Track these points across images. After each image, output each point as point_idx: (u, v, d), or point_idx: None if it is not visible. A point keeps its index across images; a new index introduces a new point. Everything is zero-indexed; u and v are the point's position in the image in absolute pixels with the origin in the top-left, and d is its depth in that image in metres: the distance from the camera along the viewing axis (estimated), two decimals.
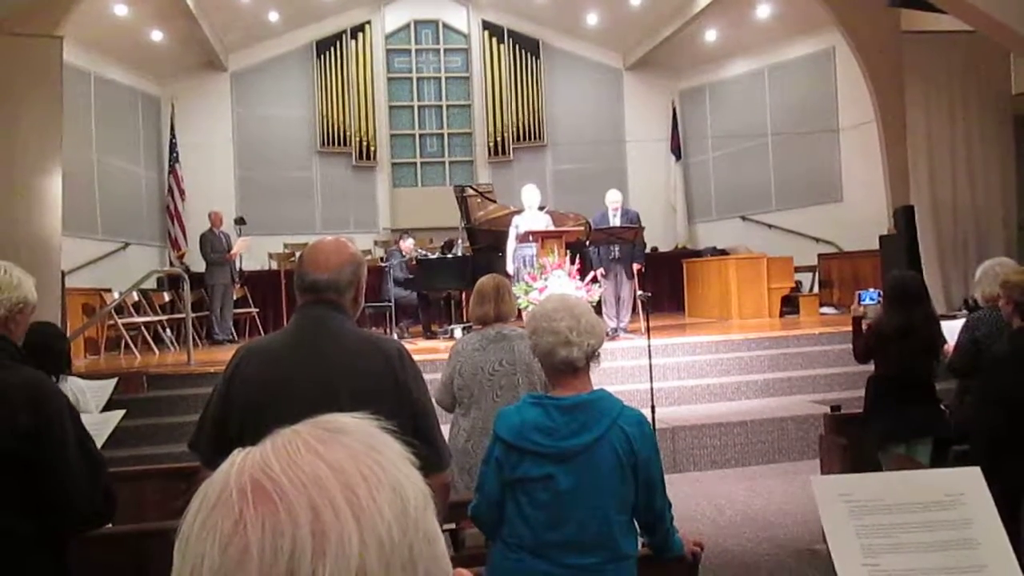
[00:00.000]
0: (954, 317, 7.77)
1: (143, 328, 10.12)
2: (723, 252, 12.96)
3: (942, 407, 4.48)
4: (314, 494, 0.54)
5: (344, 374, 2.19)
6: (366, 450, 0.58)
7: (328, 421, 0.61)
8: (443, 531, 0.63)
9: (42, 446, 2.08)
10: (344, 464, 0.56)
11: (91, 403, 4.02)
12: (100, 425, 3.62)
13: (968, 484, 1.73)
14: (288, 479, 0.54)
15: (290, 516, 0.53)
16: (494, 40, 15.00)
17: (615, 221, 9.00)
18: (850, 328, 5.02)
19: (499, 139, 14.92)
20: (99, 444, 3.48)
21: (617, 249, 8.89)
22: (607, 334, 8.31)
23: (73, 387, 3.94)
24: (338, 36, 14.52)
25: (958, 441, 4.09)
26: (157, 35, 12.27)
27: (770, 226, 13.65)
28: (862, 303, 4.76)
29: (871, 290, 4.88)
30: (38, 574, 2.11)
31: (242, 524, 0.53)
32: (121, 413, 3.92)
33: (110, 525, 3.75)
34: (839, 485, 1.75)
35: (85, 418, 3.40)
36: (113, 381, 4.56)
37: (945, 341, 4.57)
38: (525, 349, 3.64)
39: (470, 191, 10.80)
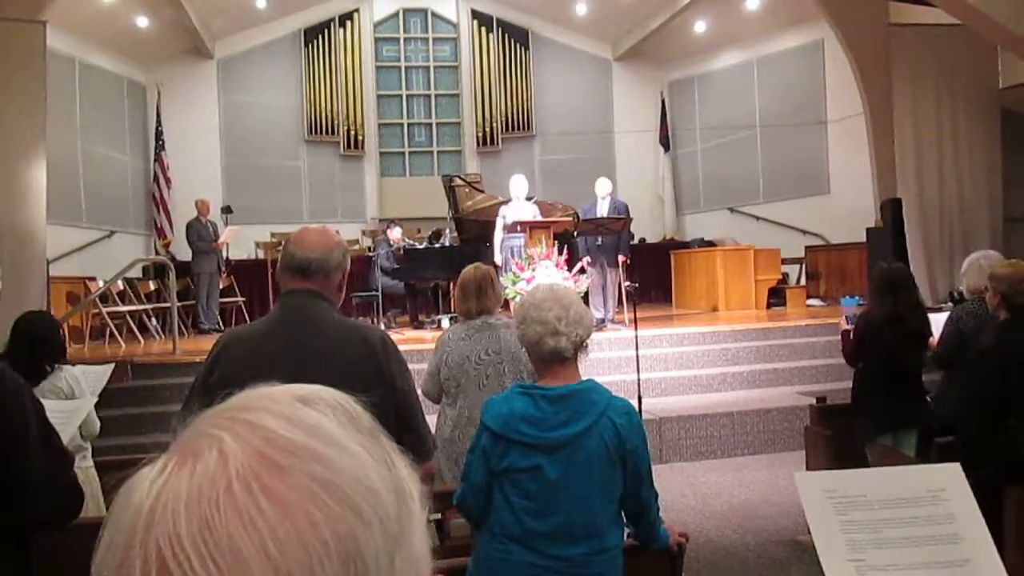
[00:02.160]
0: (940, 309, 7.81)
1: (128, 317, 10.05)
2: (711, 243, 12.97)
3: (928, 399, 4.50)
4: None
5: (326, 362, 2.18)
6: (309, 495, 0.45)
7: (265, 441, 0.47)
8: (428, 521, 0.54)
9: (3, 441, 2.00)
10: (275, 534, 0.43)
11: (86, 390, 3.98)
12: (70, 414, 3.58)
13: (949, 480, 1.74)
14: (200, 562, 0.42)
15: None
16: (483, 29, 14.94)
17: (603, 210, 9.01)
18: (836, 321, 5.04)
19: (488, 129, 14.87)
20: (69, 433, 3.44)
21: (601, 239, 8.90)
22: (594, 325, 8.32)
23: (67, 375, 3.91)
24: (326, 24, 14.42)
25: (942, 433, 4.11)
26: (143, 21, 12.15)
27: (758, 218, 13.68)
28: (848, 323, 4.78)
29: (855, 296, 4.92)
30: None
31: None
32: (92, 401, 3.87)
33: (104, 512, 3.74)
34: (823, 481, 1.75)
35: (53, 405, 3.37)
36: (109, 367, 4.52)
37: (931, 333, 4.59)
38: (511, 338, 3.63)
39: (458, 181, 10.77)
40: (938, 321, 4.72)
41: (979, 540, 1.66)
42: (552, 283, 2.52)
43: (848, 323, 4.80)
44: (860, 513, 1.67)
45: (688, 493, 5.82)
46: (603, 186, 9.21)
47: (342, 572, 0.44)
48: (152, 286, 11.29)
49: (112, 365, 4.60)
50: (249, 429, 0.48)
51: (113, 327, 9.63)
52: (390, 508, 0.48)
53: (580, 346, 2.36)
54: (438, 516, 3.15)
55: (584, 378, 2.39)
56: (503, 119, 14.89)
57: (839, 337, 4.99)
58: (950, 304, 8.56)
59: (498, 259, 8.78)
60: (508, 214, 8.85)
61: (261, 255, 12.66)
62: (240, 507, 0.43)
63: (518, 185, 8.99)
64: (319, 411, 0.51)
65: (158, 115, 13.17)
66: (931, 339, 4.62)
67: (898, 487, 1.72)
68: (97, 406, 3.93)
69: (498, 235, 8.96)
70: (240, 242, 12.21)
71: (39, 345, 3.77)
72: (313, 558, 0.43)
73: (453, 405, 3.73)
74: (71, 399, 3.79)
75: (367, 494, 0.47)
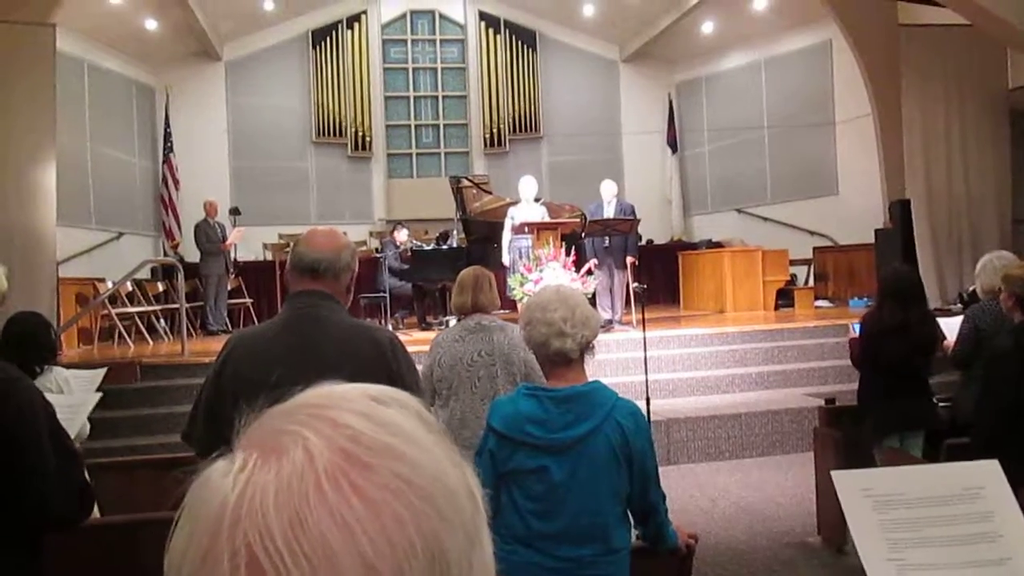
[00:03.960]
0: (949, 311, 7.78)
1: (137, 318, 10.08)
2: (718, 245, 12.95)
3: (934, 400, 4.48)
4: None
5: (335, 364, 2.18)
6: (395, 493, 0.46)
7: (348, 439, 0.47)
8: None
9: (12, 443, 2.01)
10: (364, 529, 0.44)
11: (76, 392, 3.96)
12: (76, 408, 3.57)
13: (987, 477, 1.72)
14: (291, 556, 0.43)
15: None
16: (490, 31, 14.94)
17: (609, 212, 9.00)
18: (844, 322, 5.02)
19: (495, 130, 14.88)
20: (75, 429, 3.44)
21: (609, 241, 8.88)
22: (601, 325, 8.30)
23: (57, 377, 3.89)
24: (334, 26, 14.45)
25: (953, 434, 4.09)
26: (151, 23, 12.19)
27: (765, 219, 13.65)
28: (854, 331, 4.76)
29: (864, 297, 4.89)
30: (10, 572, 2.07)
31: None
32: (98, 396, 3.85)
33: (98, 514, 3.74)
34: (860, 480, 1.74)
35: (60, 399, 3.36)
36: (102, 371, 4.46)
37: (944, 337, 4.57)
38: (503, 340, 3.63)
39: (466, 182, 10.77)
40: (951, 326, 4.68)
41: (1019, 537, 1.65)
42: (558, 284, 2.52)
43: (855, 331, 4.78)
44: (899, 512, 1.66)
45: (696, 494, 5.81)
46: (608, 189, 9.19)
47: (428, 571, 0.44)
48: (160, 287, 11.33)
49: (105, 369, 4.53)
50: (331, 427, 0.48)
51: (122, 328, 9.66)
52: (467, 508, 0.49)
53: (586, 348, 2.36)
54: None
55: (591, 379, 2.39)
56: (510, 120, 14.89)
57: (847, 339, 4.96)
58: (959, 305, 8.52)
59: (506, 260, 8.79)
60: (516, 215, 8.85)
61: (269, 256, 12.69)
62: (331, 505, 0.44)
63: (527, 186, 9.00)
64: (394, 410, 0.51)
65: (167, 117, 13.22)
66: (946, 342, 4.60)
67: (936, 485, 1.71)
68: (105, 407, 3.92)
69: (506, 236, 8.97)
70: (248, 243, 12.24)
71: (29, 345, 3.75)
72: (401, 556, 0.44)
73: (445, 407, 3.71)
74: None
75: (447, 494, 0.48)
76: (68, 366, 4.34)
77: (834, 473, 1.80)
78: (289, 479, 0.45)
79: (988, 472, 1.74)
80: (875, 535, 1.64)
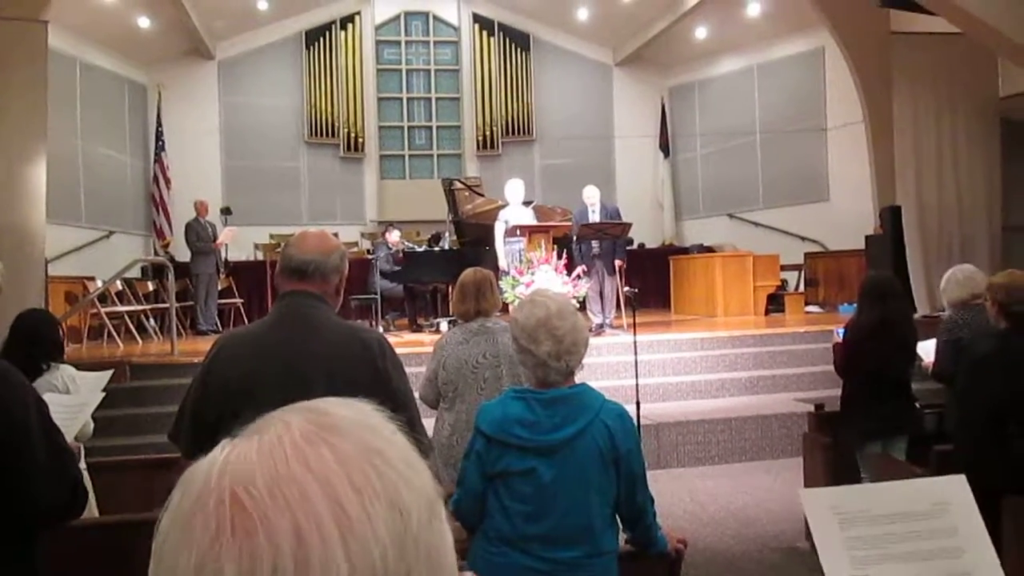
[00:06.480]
0: (937, 318, 7.79)
1: (127, 317, 10.04)
2: (710, 249, 12.99)
3: (917, 405, 4.50)
4: (299, 515, 0.49)
5: (322, 365, 2.18)
6: (362, 453, 0.53)
7: (322, 414, 0.55)
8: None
9: (5, 440, 2.00)
10: (334, 476, 0.51)
11: (82, 392, 3.95)
12: (76, 409, 3.56)
13: (953, 493, 1.73)
14: (271, 496, 0.49)
15: (271, 542, 0.48)
16: (484, 33, 14.96)
17: (595, 218, 8.95)
18: (835, 327, 5.03)
19: (488, 133, 14.89)
20: (74, 430, 3.42)
21: (597, 245, 8.84)
22: (591, 329, 8.28)
23: (64, 375, 3.88)
24: (327, 26, 14.45)
25: (939, 440, 4.11)
26: (144, 21, 12.17)
27: (757, 224, 13.69)
28: (839, 336, 4.75)
29: (854, 303, 4.89)
30: (4, 569, 2.06)
31: (218, 545, 0.49)
32: (100, 396, 3.85)
33: (97, 514, 3.73)
34: (828, 497, 1.75)
35: (60, 400, 3.34)
36: (108, 372, 4.46)
37: (921, 359, 4.58)
38: (508, 342, 3.63)
39: (458, 184, 10.77)
40: (927, 348, 4.64)
41: (981, 554, 1.66)
42: (547, 299, 2.43)
43: (839, 336, 4.78)
44: (864, 528, 1.67)
45: (685, 499, 5.82)
46: (591, 194, 9.01)
47: (388, 514, 0.51)
48: (151, 287, 11.29)
49: (111, 371, 4.53)
50: (307, 409, 0.57)
51: (111, 327, 9.62)
52: (428, 484, 0.56)
53: (573, 372, 2.36)
54: None
55: (579, 382, 2.39)
56: (503, 123, 14.91)
57: (832, 345, 4.97)
58: (948, 312, 8.54)
59: (502, 263, 8.74)
60: (508, 219, 8.83)
61: (260, 256, 12.66)
62: (306, 457, 0.52)
63: (514, 190, 8.98)
64: (362, 406, 0.59)
65: (158, 116, 13.19)
66: (924, 363, 4.60)
67: (902, 501, 1.72)
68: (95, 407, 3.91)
69: (499, 239, 8.94)
70: (239, 243, 12.22)
71: (35, 343, 3.74)
72: (365, 498, 0.51)
73: (451, 409, 3.72)
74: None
75: (411, 469, 0.55)
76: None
77: (801, 491, 1.82)
78: (270, 442, 0.53)
79: (954, 487, 1.75)
80: (839, 552, 1.66)
